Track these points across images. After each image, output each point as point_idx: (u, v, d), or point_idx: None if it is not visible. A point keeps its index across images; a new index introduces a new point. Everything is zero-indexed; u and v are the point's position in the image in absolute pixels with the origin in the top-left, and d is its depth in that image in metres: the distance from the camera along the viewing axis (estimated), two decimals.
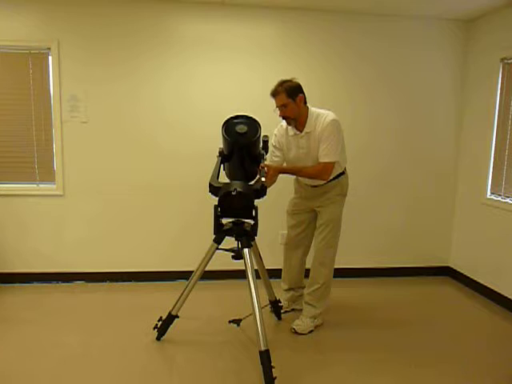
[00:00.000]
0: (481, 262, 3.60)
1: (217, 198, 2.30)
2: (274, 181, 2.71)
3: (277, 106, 2.62)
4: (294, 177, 2.93)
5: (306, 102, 2.67)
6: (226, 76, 3.53)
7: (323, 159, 2.60)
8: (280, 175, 2.67)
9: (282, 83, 2.60)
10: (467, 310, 3.28)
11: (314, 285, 2.81)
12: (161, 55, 3.46)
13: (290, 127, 2.73)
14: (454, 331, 2.92)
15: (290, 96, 2.57)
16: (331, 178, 2.71)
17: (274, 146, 2.82)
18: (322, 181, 2.70)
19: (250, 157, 2.39)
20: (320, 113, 2.65)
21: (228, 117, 2.40)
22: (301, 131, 2.67)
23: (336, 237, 2.80)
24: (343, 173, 2.80)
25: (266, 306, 2.88)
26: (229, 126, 2.35)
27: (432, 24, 3.69)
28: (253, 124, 2.35)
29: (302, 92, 2.63)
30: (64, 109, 3.41)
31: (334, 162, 2.62)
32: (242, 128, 2.31)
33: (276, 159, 2.80)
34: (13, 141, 3.44)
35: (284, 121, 2.77)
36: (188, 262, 3.28)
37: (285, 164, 2.84)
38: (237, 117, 2.39)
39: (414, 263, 3.96)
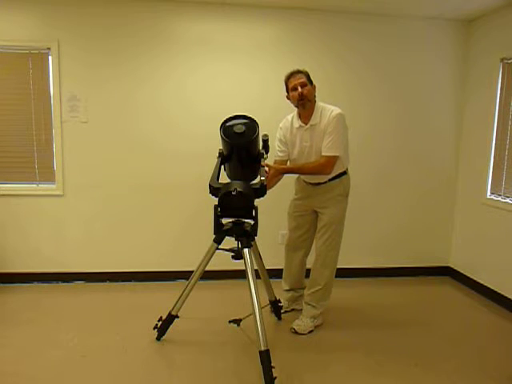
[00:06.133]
0: (481, 262, 3.59)
1: (217, 198, 2.30)
2: (279, 179, 2.72)
3: (294, 86, 2.61)
4: (294, 177, 2.93)
5: None
6: (226, 76, 3.53)
7: (326, 152, 2.60)
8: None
9: (299, 70, 2.66)
10: (467, 310, 3.28)
11: (314, 286, 2.80)
12: (161, 55, 3.46)
13: (295, 119, 2.73)
14: (453, 331, 2.92)
15: (308, 79, 2.65)
16: (333, 176, 2.71)
17: (280, 140, 2.82)
18: (325, 176, 2.69)
19: (250, 156, 2.39)
20: (326, 107, 2.67)
21: (226, 117, 2.39)
22: (306, 124, 2.68)
23: (338, 238, 2.79)
24: (345, 173, 2.79)
25: (266, 306, 2.88)
26: (226, 126, 2.35)
27: (432, 24, 3.69)
28: (251, 123, 2.34)
29: None
30: (64, 109, 3.41)
31: (337, 157, 2.61)
32: (239, 128, 2.30)
33: (281, 154, 2.80)
34: (13, 141, 3.44)
35: (289, 116, 2.79)
36: (188, 262, 3.27)
37: (288, 163, 2.84)
38: (234, 117, 2.39)
39: (414, 263, 3.96)
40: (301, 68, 2.67)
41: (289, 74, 2.67)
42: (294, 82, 2.63)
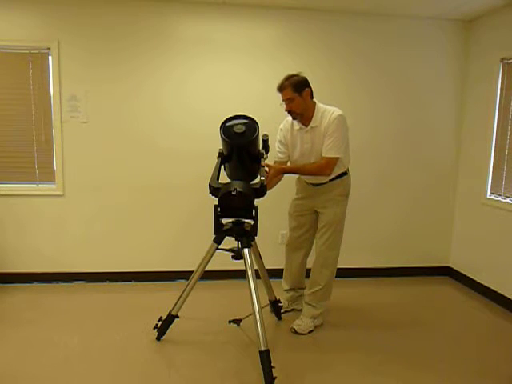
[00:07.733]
0: (481, 262, 3.59)
1: (217, 198, 2.30)
2: (279, 179, 2.71)
3: (283, 100, 2.63)
4: (295, 177, 2.93)
5: (312, 97, 2.68)
6: (226, 76, 3.53)
7: (327, 154, 2.60)
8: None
9: (288, 77, 2.61)
10: (467, 310, 3.28)
11: (315, 286, 2.80)
12: (161, 55, 3.45)
13: (295, 121, 2.73)
14: (453, 331, 2.92)
15: (296, 90, 2.59)
16: (334, 176, 2.71)
17: (280, 141, 2.82)
18: (325, 177, 2.69)
19: (250, 156, 2.39)
20: (327, 108, 2.66)
21: (226, 117, 2.39)
22: (306, 126, 2.68)
23: (338, 238, 2.79)
24: (346, 173, 2.79)
25: (266, 306, 2.88)
26: (226, 126, 2.35)
27: (432, 24, 3.69)
28: (250, 123, 2.35)
29: (309, 86, 2.64)
30: (64, 109, 3.41)
31: (337, 158, 2.61)
32: (239, 128, 2.30)
33: (281, 155, 2.80)
34: (13, 141, 3.44)
35: (290, 116, 2.78)
36: (188, 262, 3.28)
37: (289, 163, 2.83)
38: (234, 117, 2.39)
39: (414, 263, 3.96)
40: (287, 75, 2.62)
41: (277, 87, 2.62)
42: (281, 97, 2.63)
